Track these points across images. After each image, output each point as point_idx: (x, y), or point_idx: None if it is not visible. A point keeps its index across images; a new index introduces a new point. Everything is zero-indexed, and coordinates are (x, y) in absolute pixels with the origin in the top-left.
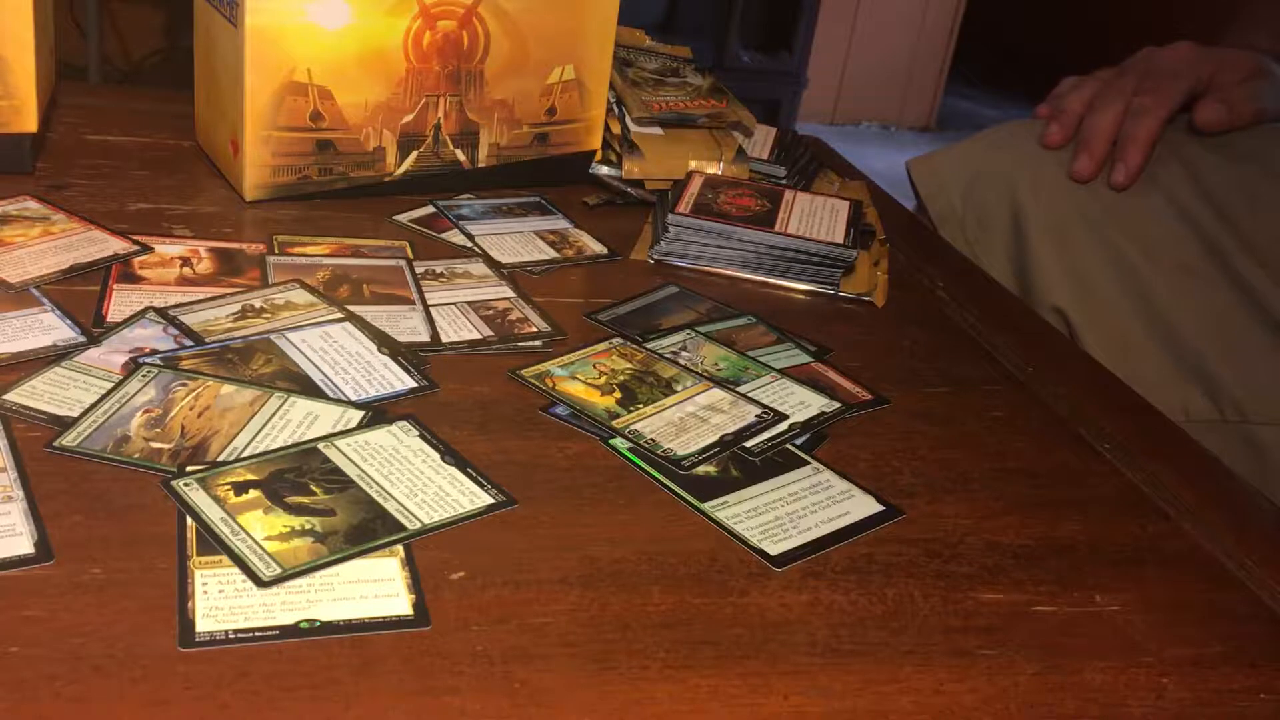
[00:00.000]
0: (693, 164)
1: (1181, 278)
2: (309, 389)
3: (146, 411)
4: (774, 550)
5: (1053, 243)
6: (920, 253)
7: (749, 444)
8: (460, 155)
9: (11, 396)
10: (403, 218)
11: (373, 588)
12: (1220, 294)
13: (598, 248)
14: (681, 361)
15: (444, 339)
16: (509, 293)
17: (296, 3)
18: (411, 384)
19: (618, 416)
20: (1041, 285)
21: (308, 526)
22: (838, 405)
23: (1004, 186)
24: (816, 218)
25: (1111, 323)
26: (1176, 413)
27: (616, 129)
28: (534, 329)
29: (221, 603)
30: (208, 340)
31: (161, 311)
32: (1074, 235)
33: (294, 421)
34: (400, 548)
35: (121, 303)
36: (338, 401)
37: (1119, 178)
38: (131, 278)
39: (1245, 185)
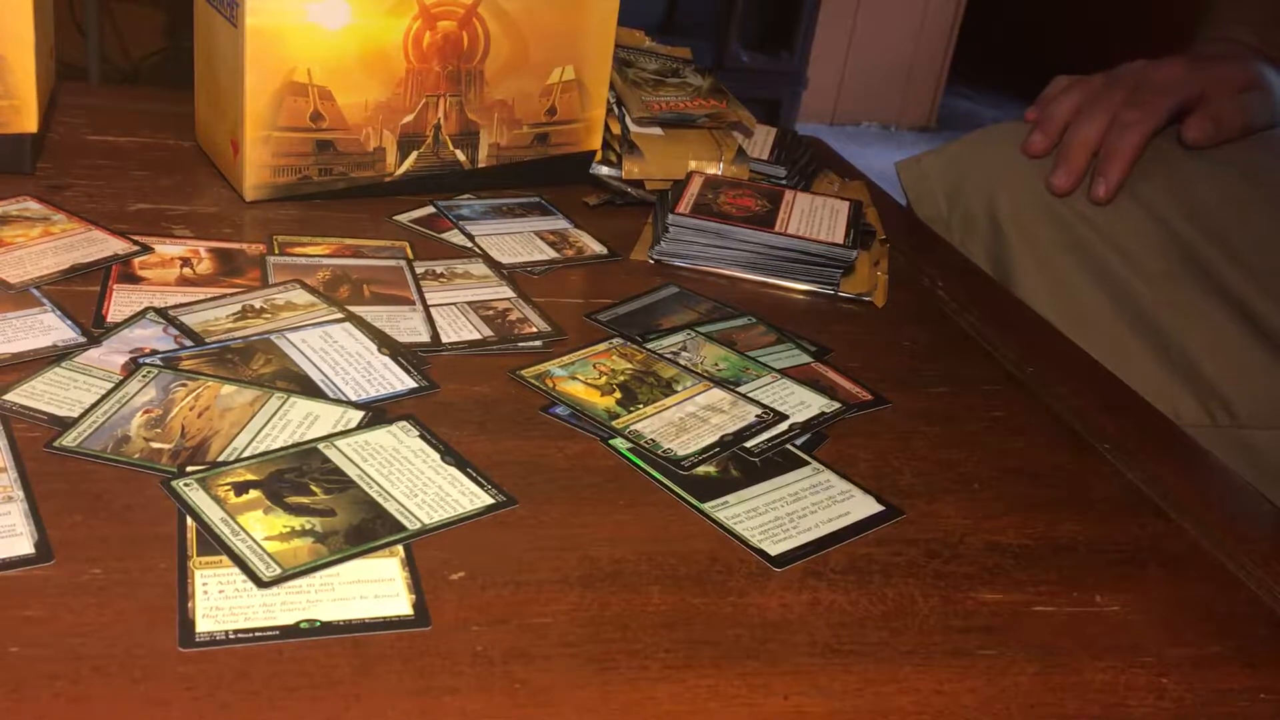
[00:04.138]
0: (693, 164)
1: (1164, 284)
2: (309, 389)
3: (146, 412)
4: (774, 550)
5: (1031, 250)
6: (920, 253)
7: (749, 444)
8: (460, 155)
9: (11, 396)
10: (403, 218)
11: (373, 588)
12: (1204, 300)
13: (598, 248)
14: (681, 361)
15: (444, 339)
16: (509, 293)
17: (297, 3)
18: (411, 384)
19: (618, 416)
20: (1022, 292)
21: (308, 526)
22: (838, 405)
23: (985, 192)
24: (816, 218)
25: (1096, 329)
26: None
27: (616, 129)
28: (534, 329)
29: (221, 603)
30: (208, 340)
31: (161, 311)
32: (1052, 242)
33: (294, 422)
34: (400, 548)
35: (121, 303)
36: (338, 402)
37: (1099, 192)
38: (131, 278)
39: (1226, 190)
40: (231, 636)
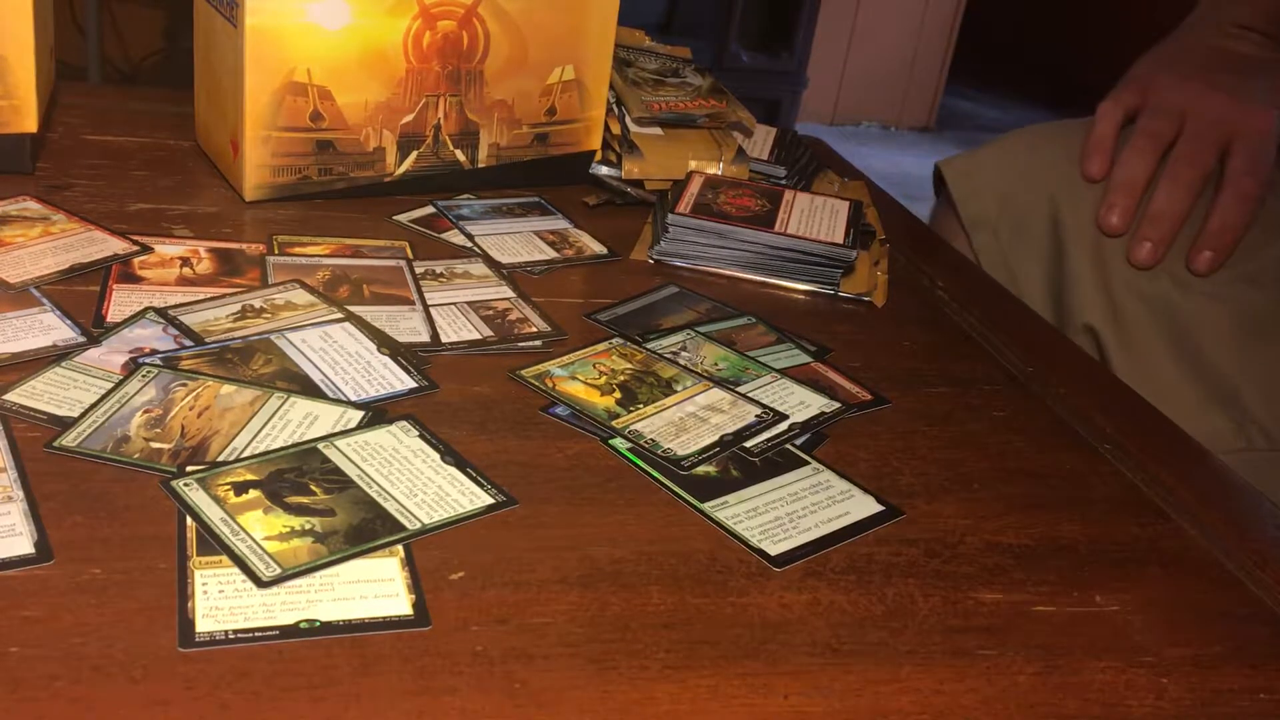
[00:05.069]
0: (693, 164)
1: (1210, 304)
2: (309, 389)
3: (146, 411)
4: (774, 550)
5: (1090, 258)
6: (920, 253)
7: (749, 444)
8: (460, 155)
9: (11, 396)
10: (403, 218)
11: (373, 588)
12: (1254, 321)
13: (598, 248)
14: (681, 361)
15: (444, 339)
16: (509, 293)
17: (296, 3)
18: (411, 384)
19: (618, 416)
20: (1076, 301)
21: (308, 526)
22: (838, 405)
23: (1043, 194)
24: (816, 218)
25: (1141, 345)
26: (1201, 441)
27: (616, 129)
28: (534, 329)
29: (221, 603)
30: (208, 340)
31: (161, 311)
32: (1111, 252)
33: (294, 421)
34: (400, 548)
35: (121, 303)
36: (338, 401)
37: (1202, 266)
38: (131, 278)
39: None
40: (231, 636)
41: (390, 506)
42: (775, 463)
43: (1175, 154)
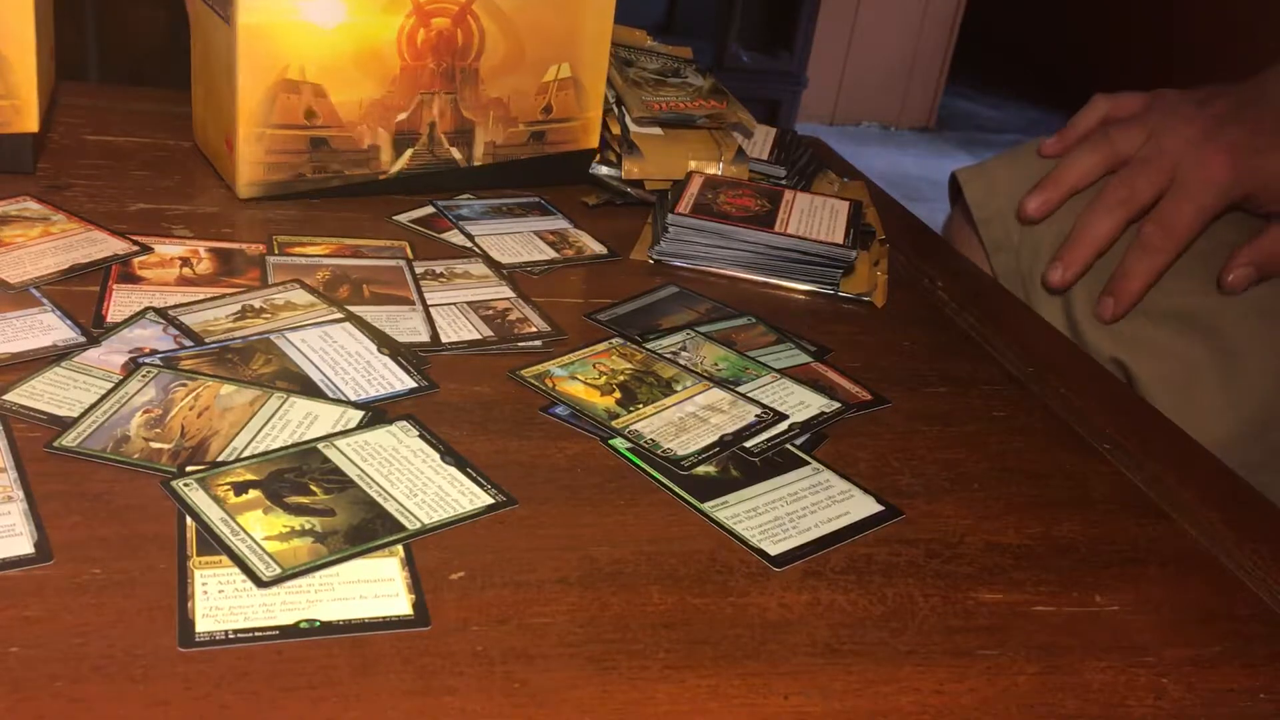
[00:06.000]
0: (692, 164)
1: (1251, 318)
2: (309, 389)
3: (146, 411)
4: (774, 550)
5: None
6: (920, 253)
7: (749, 444)
8: (456, 154)
9: (11, 396)
10: (402, 218)
11: (373, 588)
12: None
13: (598, 248)
14: (681, 361)
15: (444, 339)
16: (509, 293)
17: (290, 0)
18: (411, 384)
19: (617, 416)
20: (1097, 332)
21: (307, 526)
22: (838, 405)
23: (1067, 214)
24: (816, 218)
25: (1171, 363)
26: (1233, 459)
27: (616, 129)
28: (534, 329)
29: (221, 603)
30: (207, 340)
31: (161, 311)
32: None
33: (294, 421)
34: (400, 548)
35: (121, 303)
36: (337, 401)
37: (1105, 313)
38: (131, 278)
39: None
40: (231, 636)
41: (390, 506)
42: (775, 463)
43: (1118, 175)
